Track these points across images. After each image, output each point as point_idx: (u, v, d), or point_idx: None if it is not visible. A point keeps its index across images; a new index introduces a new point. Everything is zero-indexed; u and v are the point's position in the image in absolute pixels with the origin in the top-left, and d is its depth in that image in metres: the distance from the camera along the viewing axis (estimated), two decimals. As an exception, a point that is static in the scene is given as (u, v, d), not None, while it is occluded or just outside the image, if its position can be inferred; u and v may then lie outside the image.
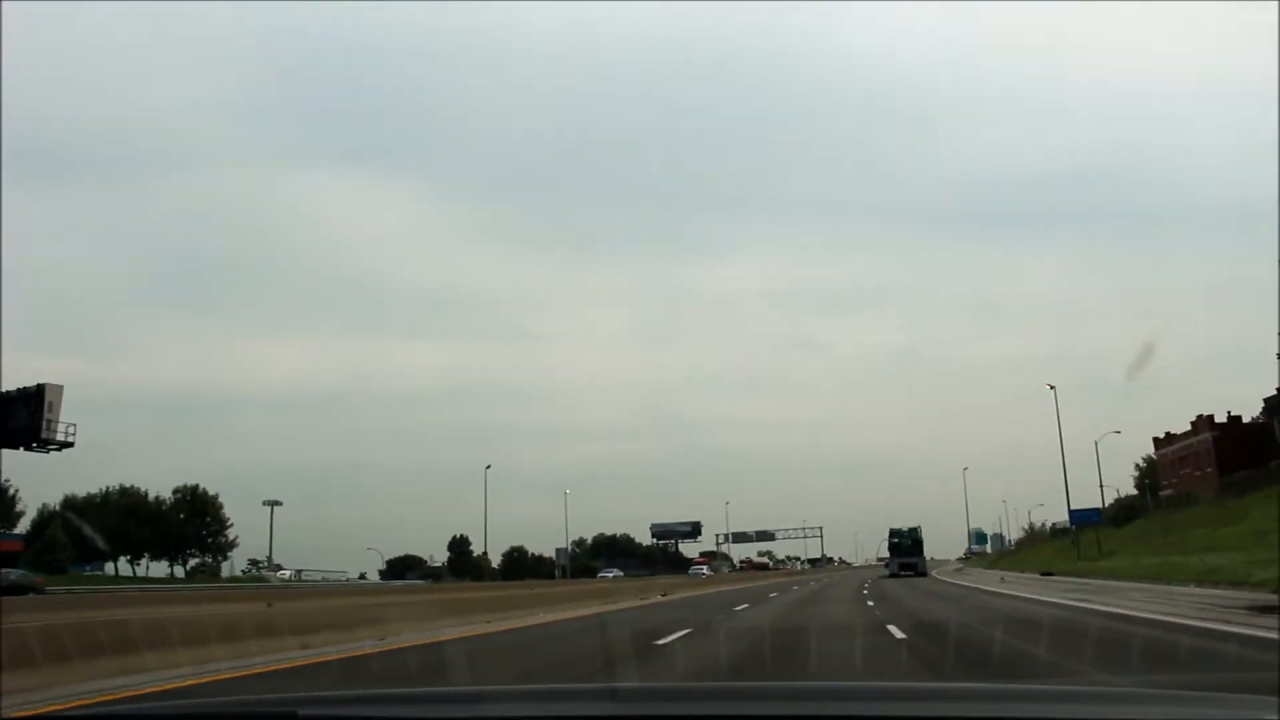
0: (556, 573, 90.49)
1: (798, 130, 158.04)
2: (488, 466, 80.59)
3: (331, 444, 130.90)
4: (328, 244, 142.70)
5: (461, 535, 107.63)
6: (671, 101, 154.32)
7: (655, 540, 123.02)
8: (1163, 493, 71.89)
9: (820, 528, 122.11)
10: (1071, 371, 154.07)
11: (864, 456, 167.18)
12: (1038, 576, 44.45)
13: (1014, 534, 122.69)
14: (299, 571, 79.00)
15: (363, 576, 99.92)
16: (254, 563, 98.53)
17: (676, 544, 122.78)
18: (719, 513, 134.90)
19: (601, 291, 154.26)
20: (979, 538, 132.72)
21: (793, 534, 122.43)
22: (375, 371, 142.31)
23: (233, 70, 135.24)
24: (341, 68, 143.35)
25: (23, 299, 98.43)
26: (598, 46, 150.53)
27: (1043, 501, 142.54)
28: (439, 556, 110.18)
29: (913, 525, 67.45)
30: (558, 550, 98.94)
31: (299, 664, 10.89)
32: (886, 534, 69.17)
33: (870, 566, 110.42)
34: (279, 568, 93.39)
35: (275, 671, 10.08)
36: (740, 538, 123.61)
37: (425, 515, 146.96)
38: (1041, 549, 79.99)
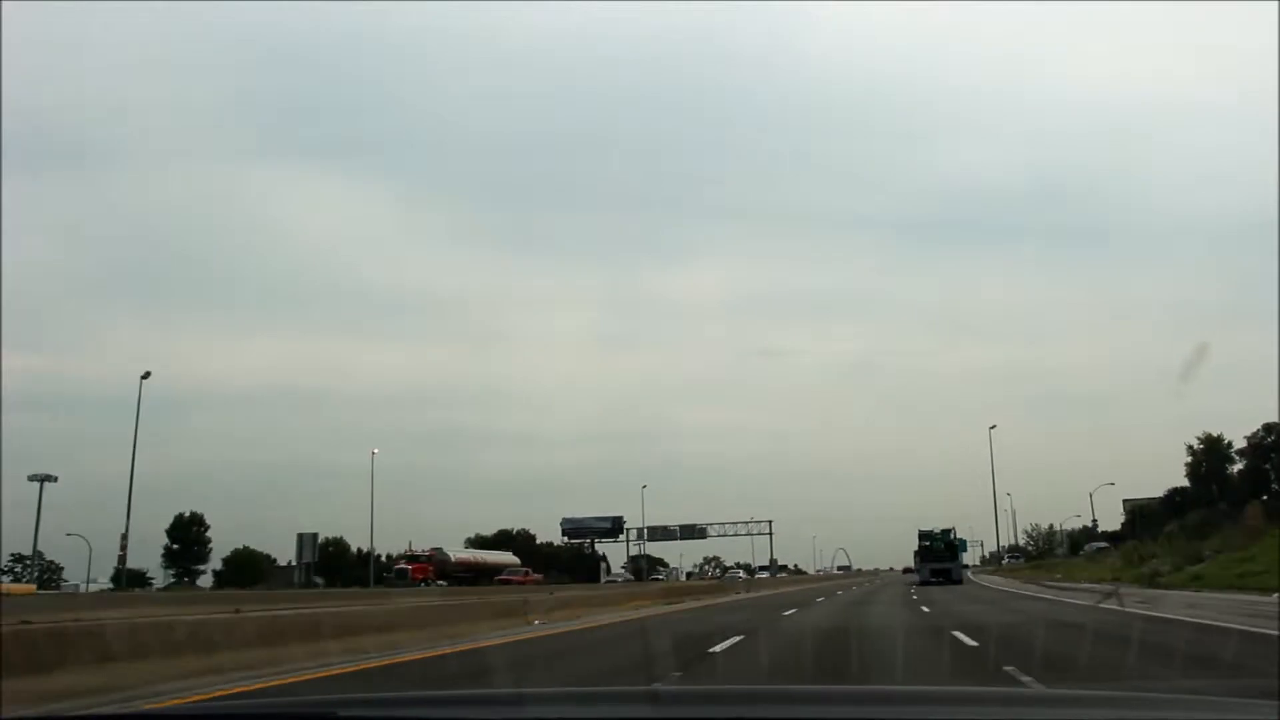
0: (296, 576, 65.41)
1: (766, 140, 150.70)
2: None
3: (273, 442, 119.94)
4: (282, 242, 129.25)
5: (192, 514, 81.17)
6: (641, 108, 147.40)
7: (567, 539, 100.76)
8: None
9: (770, 522, 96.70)
10: (1035, 384, 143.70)
11: (824, 463, 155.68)
12: None
13: (1016, 539, 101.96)
14: None
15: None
16: (18, 558, 76.13)
17: (593, 543, 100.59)
18: (656, 511, 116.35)
19: (563, 295, 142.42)
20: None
21: (734, 531, 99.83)
22: (329, 371, 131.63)
23: (195, 66, 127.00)
24: (305, 65, 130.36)
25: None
26: (570, 48, 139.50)
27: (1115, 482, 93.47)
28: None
29: (945, 527, 61.20)
30: (300, 536, 67.87)
31: None
32: (838, 549, 52.36)
33: (833, 578, 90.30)
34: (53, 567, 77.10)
35: None
36: (660, 534, 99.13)
37: (361, 514, 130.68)
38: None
